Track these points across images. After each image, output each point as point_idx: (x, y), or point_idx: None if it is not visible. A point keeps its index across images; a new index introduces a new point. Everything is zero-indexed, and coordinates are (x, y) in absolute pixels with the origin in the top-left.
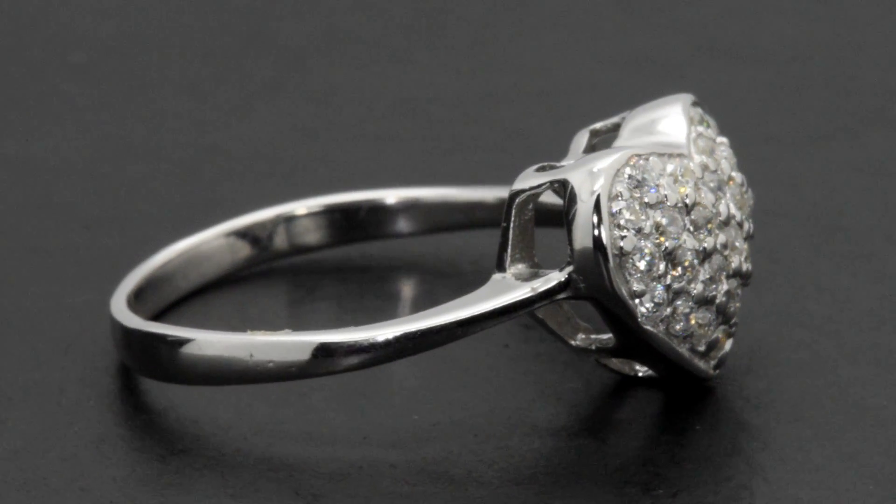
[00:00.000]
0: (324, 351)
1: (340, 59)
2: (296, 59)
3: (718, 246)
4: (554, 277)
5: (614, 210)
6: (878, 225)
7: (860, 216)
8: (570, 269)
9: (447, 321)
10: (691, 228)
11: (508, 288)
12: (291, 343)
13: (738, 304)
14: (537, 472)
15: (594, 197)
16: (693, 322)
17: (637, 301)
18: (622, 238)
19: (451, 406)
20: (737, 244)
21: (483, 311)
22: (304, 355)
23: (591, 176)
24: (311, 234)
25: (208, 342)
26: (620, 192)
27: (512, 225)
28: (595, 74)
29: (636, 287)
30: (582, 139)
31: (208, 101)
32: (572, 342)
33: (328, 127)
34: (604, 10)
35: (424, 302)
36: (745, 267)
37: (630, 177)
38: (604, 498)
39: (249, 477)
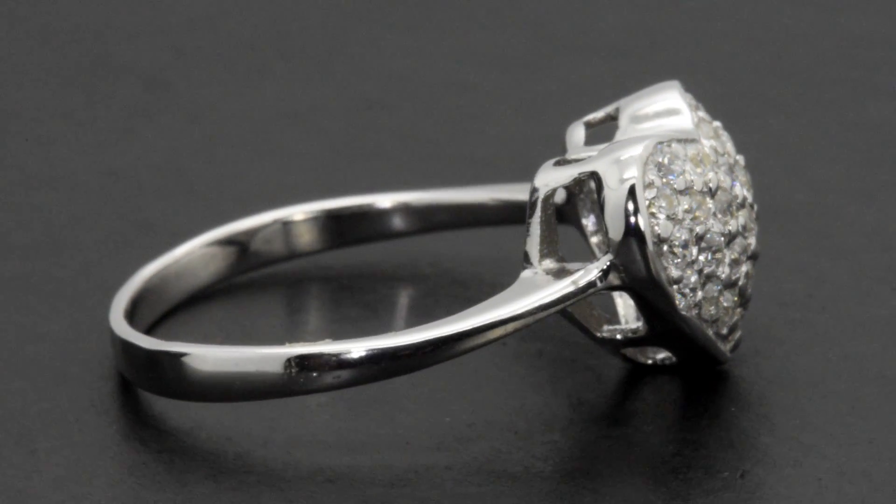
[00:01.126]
0: (380, 357)
1: (202, 78)
2: (157, 81)
3: (739, 228)
4: (593, 269)
5: (649, 198)
6: (814, 202)
7: (791, 195)
8: (608, 259)
9: (492, 320)
10: (716, 212)
11: (546, 283)
12: (343, 352)
13: (751, 286)
14: (594, 463)
15: (629, 186)
16: (721, 305)
17: (675, 287)
18: (658, 225)
19: (478, 406)
20: (751, 225)
21: (528, 309)
22: (360, 364)
23: (621, 165)
24: (284, 243)
25: (245, 358)
26: (653, 180)
27: (539, 220)
28: (457, 76)
29: (674, 273)
30: (578, 132)
31: (85, 127)
32: (598, 334)
33: (222, 144)
34: (447, 11)
35: (410, 306)
36: (758, 248)
37: (659, 164)
38: (673, 484)
39: (310, 489)
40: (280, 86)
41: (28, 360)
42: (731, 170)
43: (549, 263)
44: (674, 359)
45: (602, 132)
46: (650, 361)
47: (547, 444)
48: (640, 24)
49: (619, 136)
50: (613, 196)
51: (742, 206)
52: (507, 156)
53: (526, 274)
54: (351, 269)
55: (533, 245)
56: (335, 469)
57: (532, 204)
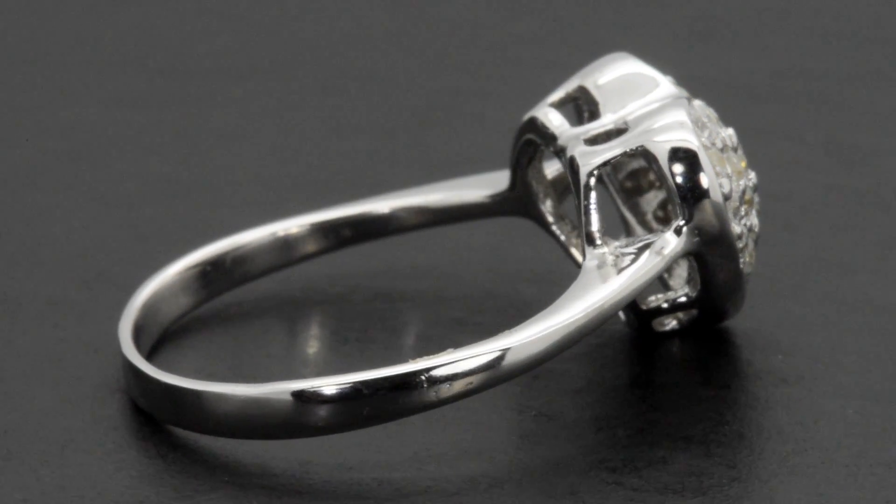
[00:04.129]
0: (504, 359)
1: None
2: None
3: (755, 180)
4: (668, 238)
5: (709, 159)
6: None
7: None
8: (681, 224)
9: (596, 307)
10: (741, 167)
11: (628, 261)
12: (475, 358)
13: None
14: (747, 425)
15: (692, 149)
16: (754, 257)
17: (738, 243)
18: (722, 184)
19: (547, 396)
20: None
21: (628, 286)
22: (489, 366)
23: (674, 132)
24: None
25: (380, 378)
26: (703, 142)
27: (595, 199)
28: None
29: (736, 229)
30: (553, 113)
31: None
32: (643, 305)
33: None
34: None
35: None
36: None
37: (701, 126)
38: (812, 428)
39: (485, 498)
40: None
41: (48, 418)
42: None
43: (616, 241)
44: (682, 323)
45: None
46: (667, 328)
47: (656, 409)
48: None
49: (605, 110)
50: (678, 162)
51: (744, 158)
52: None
53: (591, 261)
54: (348, 283)
55: (595, 226)
56: (489, 476)
57: (583, 185)
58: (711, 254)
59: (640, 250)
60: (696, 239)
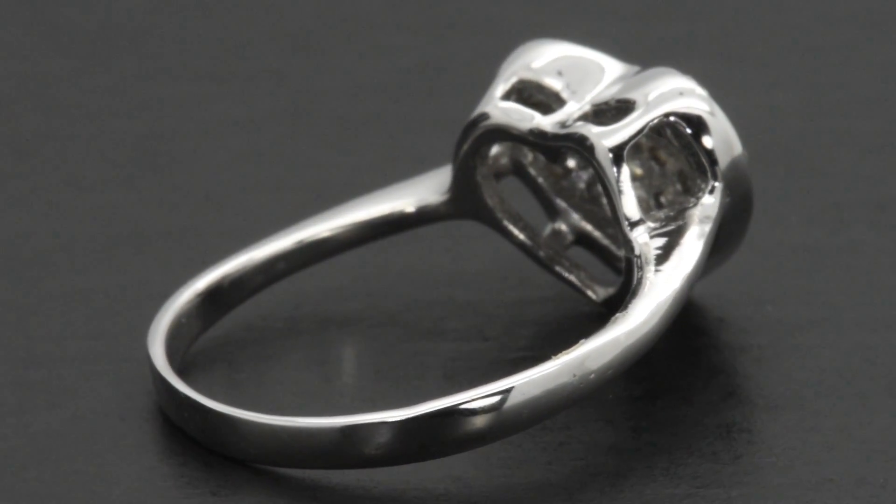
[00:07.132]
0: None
1: None
2: None
3: None
4: (709, 201)
5: (725, 118)
6: None
7: None
8: (716, 186)
9: (687, 276)
10: None
11: (675, 234)
12: (604, 347)
13: None
14: (818, 372)
15: (708, 113)
16: None
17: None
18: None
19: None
20: None
21: (696, 258)
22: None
23: (684, 99)
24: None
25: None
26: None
27: (626, 178)
28: None
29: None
30: (514, 105)
31: None
32: None
33: None
34: None
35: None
36: None
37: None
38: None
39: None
40: None
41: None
42: None
43: (654, 214)
44: None
45: None
46: None
47: (721, 375)
48: None
49: (568, 94)
50: (703, 125)
51: None
52: None
53: (639, 234)
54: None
55: (633, 204)
56: (644, 458)
57: (608, 165)
58: (732, 214)
59: (683, 223)
60: (728, 199)
